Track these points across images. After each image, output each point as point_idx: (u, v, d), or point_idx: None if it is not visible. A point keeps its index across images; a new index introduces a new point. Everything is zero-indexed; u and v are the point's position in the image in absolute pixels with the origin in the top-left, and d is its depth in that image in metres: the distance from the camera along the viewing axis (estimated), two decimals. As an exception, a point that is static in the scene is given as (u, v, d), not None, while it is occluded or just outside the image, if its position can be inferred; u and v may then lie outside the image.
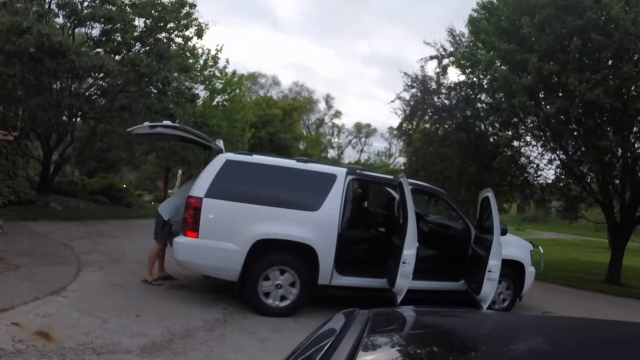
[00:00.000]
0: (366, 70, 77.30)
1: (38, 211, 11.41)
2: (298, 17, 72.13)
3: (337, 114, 51.53)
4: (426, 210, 8.97)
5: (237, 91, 21.78)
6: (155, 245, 6.43)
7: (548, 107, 10.64)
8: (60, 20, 11.86)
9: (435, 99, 14.95)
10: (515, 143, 14.13)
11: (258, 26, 73.39)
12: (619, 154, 11.59)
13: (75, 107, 12.10)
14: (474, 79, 13.45)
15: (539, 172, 14.55)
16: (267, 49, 74.06)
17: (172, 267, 6.49)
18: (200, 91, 18.06)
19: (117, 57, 11.93)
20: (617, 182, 12.35)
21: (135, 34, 12.34)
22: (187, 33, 14.05)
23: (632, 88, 10.34)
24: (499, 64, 11.11)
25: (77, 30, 12.60)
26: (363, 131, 52.11)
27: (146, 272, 6.43)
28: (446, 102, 14.80)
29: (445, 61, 14.48)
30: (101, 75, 11.77)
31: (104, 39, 12.22)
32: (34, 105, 10.70)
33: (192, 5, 13.38)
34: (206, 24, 14.53)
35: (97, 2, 11.58)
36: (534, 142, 13.96)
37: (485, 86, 13.18)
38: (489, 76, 12.15)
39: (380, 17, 71.25)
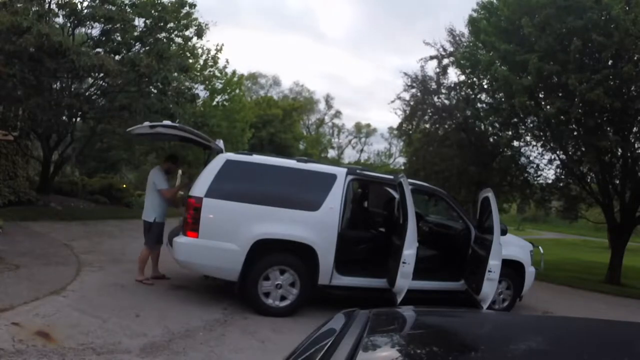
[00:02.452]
0: (396, 79, 79.99)
1: (38, 211, 11.40)
2: (343, 32, 74.77)
3: (337, 114, 51.58)
4: (426, 210, 8.97)
5: (237, 91, 21.77)
6: (144, 249, 6.44)
7: (548, 107, 10.64)
8: (60, 20, 11.85)
9: (435, 99, 14.95)
10: (515, 143, 14.12)
11: (303, 38, 76.29)
12: (619, 154, 11.59)
13: (75, 107, 12.09)
14: (474, 79, 13.45)
15: (539, 172, 14.57)
16: (306, 59, 76.51)
17: (172, 267, 6.48)
18: (200, 91, 18.04)
19: (117, 57, 11.92)
20: (617, 182, 12.34)
21: (135, 34, 12.33)
22: (187, 33, 14.07)
23: (632, 88, 10.34)
24: (499, 64, 11.11)
25: (77, 30, 12.59)
26: (363, 131, 52.11)
27: (137, 272, 6.42)
28: (446, 102, 14.80)
29: (445, 61, 14.49)
30: (101, 75, 11.75)
31: (104, 39, 12.21)
32: (34, 105, 10.69)
33: (192, 5, 13.37)
34: (206, 24, 14.55)
35: (97, 2, 11.57)
36: (534, 142, 13.96)
37: (485, 86, 13.19)
38: (489, 76, 12.15)
39: (424, 35, 73.06)
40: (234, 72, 20.82)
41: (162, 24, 12.64)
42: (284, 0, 69.56)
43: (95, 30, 12.43)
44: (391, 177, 7.00)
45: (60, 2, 11.10)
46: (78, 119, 13.73)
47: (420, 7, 70.75)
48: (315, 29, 73.63)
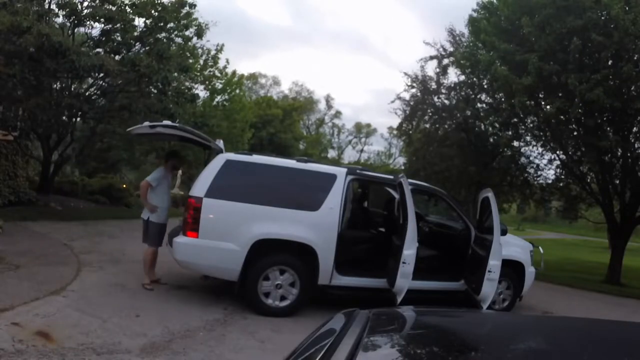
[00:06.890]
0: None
1: (38, 211, 11.39)
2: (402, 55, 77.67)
3: (337, 114, 51.57)
4: (426, 210, 8.97)
5: (237, 91, 21.78)
6: (147, 249, 6.33)
7: (548, 107, 10.65)
8: (60, 20, 11.86)
9: (435, 99, 14.98)
10: (515, 143, 14.14)
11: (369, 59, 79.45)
12: (619, 154, 11.59)
13: (75, 107, 12.09)
14: (474, 79, 13.45)
15: (539, 172, 14.59)
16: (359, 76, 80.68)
17: (172, 267, 6.47)
18: (200, 91, 18.05)
19: (117, 57, 11.92)
20: (617, 182, 12.34)
21: (135, 34, 12.33)
22: (187, 33, 14.07)
23: (632, 88, 10.33)
24: (499, 64, 11.11)
25: (77, 30, 12.59)
26: (363, 131, 52.08)
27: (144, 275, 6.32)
28: (446, 102, 14.83)
29: (445, 61, 14.52)
30: (101, 75, 11.75)
31: (104, 39, 12.21)
32: (34, 105, 10.69)
33: (192, 5, 13.37)
34: (206, 24, 14.56)
35: (97, 2, 11.57)
36: (534, 142, 13.98)
37: (485, 86, 13.20)
38: (489, 76, 12.15)
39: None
40: (234, 72, 20.85)
41: (162, 24, 12.65)
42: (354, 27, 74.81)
43: (95, 30, 12.44)
44: (391, 177, 7.00)
45: (60, 2, 11.10)
46: (78, 119, 13.73)
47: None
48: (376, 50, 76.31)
